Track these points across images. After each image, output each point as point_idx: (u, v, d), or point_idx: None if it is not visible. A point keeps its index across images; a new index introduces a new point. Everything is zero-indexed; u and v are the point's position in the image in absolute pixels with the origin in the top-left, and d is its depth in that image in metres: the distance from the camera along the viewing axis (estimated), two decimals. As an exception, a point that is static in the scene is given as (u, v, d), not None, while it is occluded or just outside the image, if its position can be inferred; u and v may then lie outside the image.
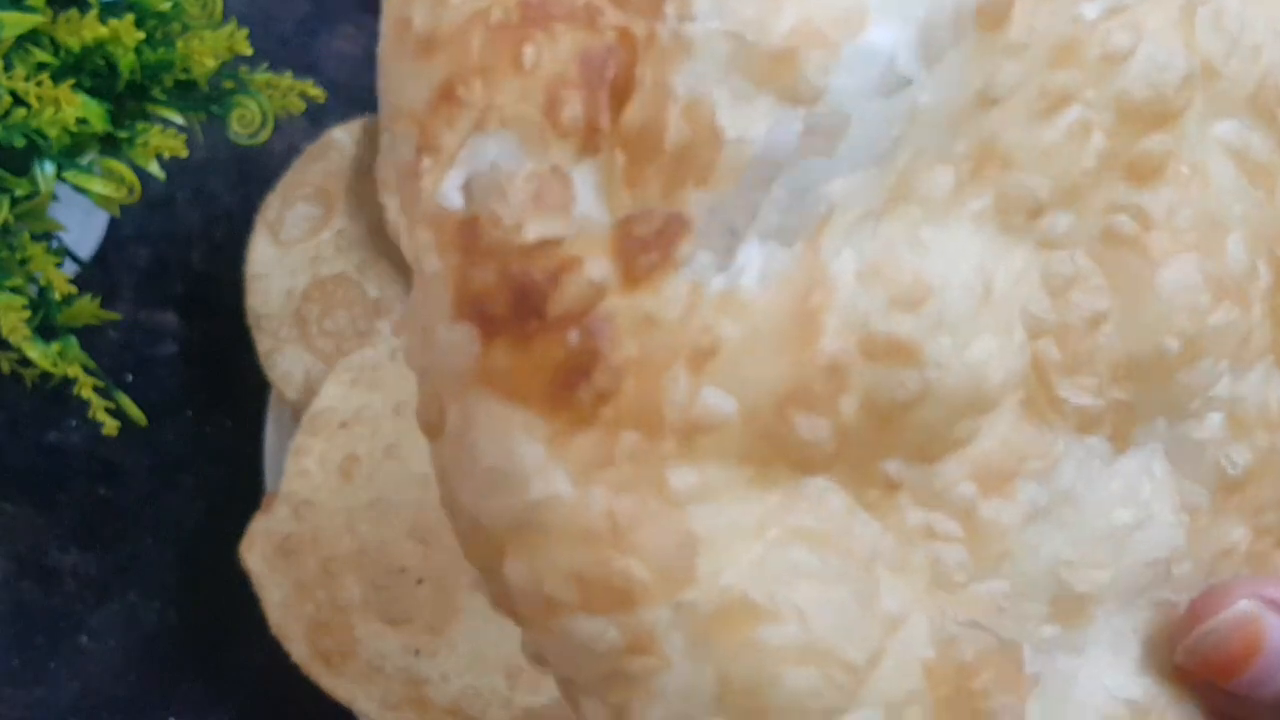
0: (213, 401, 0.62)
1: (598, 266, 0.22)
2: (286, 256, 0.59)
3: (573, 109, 0.22)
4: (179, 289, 0.64)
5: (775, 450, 0.24)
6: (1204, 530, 0.28)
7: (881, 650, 0.25)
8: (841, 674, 0.24)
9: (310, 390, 0.56)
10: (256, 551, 0.52)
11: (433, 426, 0.25)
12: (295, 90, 0.56)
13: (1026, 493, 0.26)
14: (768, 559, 0.24)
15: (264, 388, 0.57)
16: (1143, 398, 0.27)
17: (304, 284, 0.58)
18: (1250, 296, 0.27)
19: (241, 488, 0.57)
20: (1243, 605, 0.27)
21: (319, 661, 0.51)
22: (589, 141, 0.23)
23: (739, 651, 0.24)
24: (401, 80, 0.24)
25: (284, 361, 0.57)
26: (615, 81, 0.23)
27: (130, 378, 0.62)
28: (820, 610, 0.24)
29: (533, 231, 0.22)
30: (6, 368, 0.59)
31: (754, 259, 0.23)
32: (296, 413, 0.56)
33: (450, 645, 0.51)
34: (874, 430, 0.25)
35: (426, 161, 0.23)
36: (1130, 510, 0.27)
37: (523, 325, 0.22)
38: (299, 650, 0.51)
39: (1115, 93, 0.26)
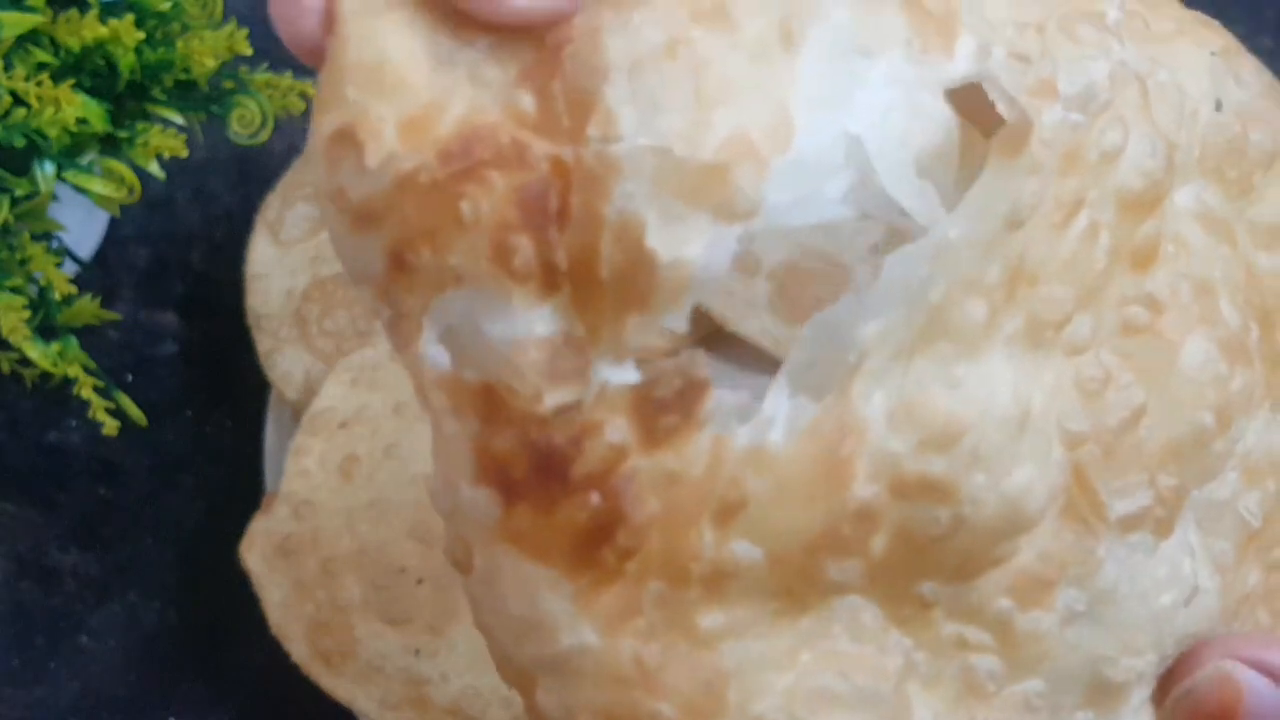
0: (213, 401, 0.62)
1: (618, 429, 0.22)
2: (286, 256, 0.59)
3: (524, 254, 0.22)
4: (179, 289, 0.64)
5: (805, 585, 0.24)
6: (1231, 584, 0.28)
7: None
8: None
9: (310, 390, 0.56)
10: (256, 551, 0.52)
11: (461, 564, 0.25)
12: (295, 90, 0.56)
13: (1065, 599, 0.26)
14: (799, 687, 0.24)
15: (264, 388, 0.57)
16: (1186, 477, 0.27)
17: (304, 284, 0.58)
18: (1251, 352, 0.27)
19: (241, 488, 0.57)
20: (1218, 664, 0.27)
21: (319, 661, 0.51)
22: (548, 281, 0.22)
23: None
24: (352, 251, 0.23)
25: (284, 361, 0.57)
26: (560, 213, 0.22)
27: (130, 378, 0.62)
28: None
29: (551, 401, 0.22)
30: (6, 368, 0.59)
31: (781, 411, 0.23)
32: (296, 413, 0.56)
33: (450, 645, 0.51)
34: (906, 560, 0.24)
35: (397, 325, 0.23)
36: (1174, 591, 0.27)
37: (545, 490, 0.23)
38: (299, 650, 0.51)
39: (1115, 188, 0.26)
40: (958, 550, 0.25)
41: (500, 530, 0.23)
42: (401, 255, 0.22)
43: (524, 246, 0.22)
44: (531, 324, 0.23)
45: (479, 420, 0.23)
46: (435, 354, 0.23)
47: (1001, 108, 0.24)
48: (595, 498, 0.22)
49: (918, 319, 0.24)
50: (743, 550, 0.23)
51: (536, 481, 0.22)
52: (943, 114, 0.24)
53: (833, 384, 0.23)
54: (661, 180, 0.22)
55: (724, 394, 0.23)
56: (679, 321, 0.23)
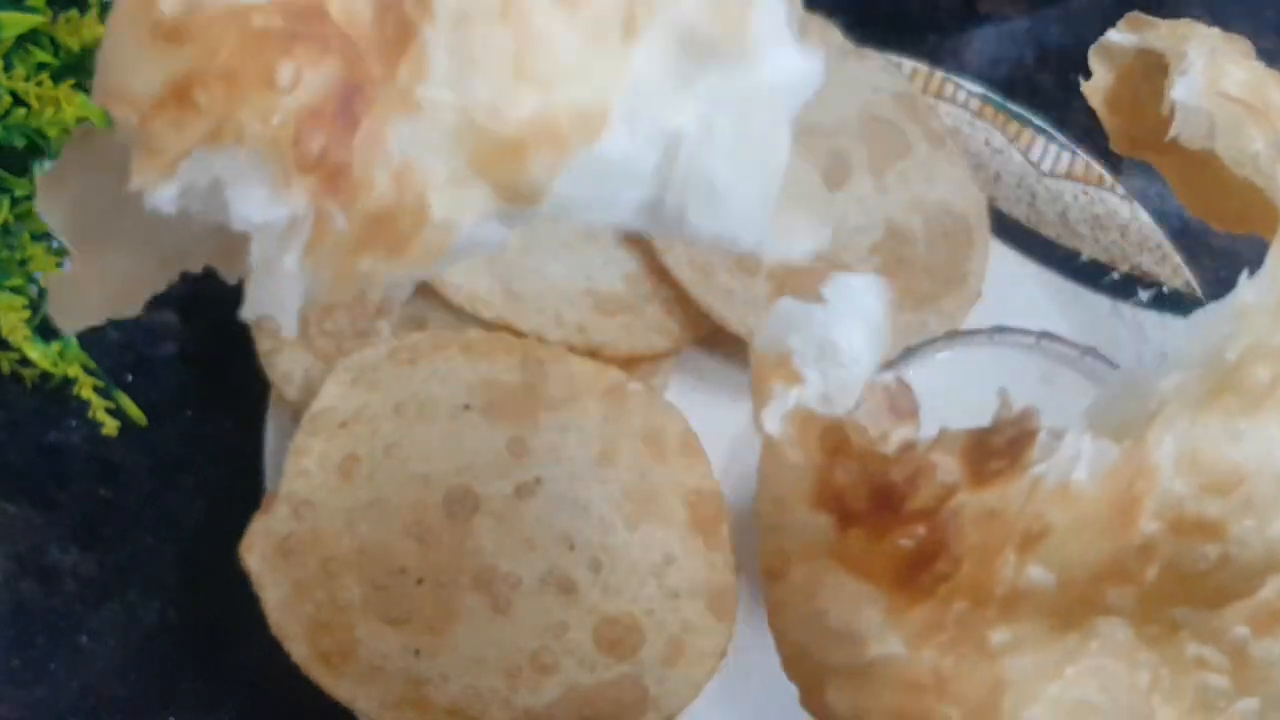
0: (213, 401, 0.62)
1: (949, 469, 0.24)
2: (286, 256, 0.59)
3: (318, 144, 0.21)
4: (179, 289, 0.63)
5: (1085, 608, 0.26)
6: None
7: None
8: None
9: (310, 390, 0.56)
10: (256, 551, 0.52)
11: (775, 572, 0.26)
12: (295, 90, 0.56)
13: None
14: (1063, 697, 0.26)
15: (264, 388, 0.57)
16: None
17: (304, 284, 0.58)
18: None
19: (241, 488, 0.57)
20: None
21: (319, 661, 0.51)
22: (329, 183, 0.21)
23: None
24: (130, 59, 0.21)
25: (284, 361, 0.57)
26: (353, 126, 0.21)
27: (130, 378, 0.62)
28: None
29: (896, 439, 0.24)
30: (6, 368, 0.59)
31: (1085, 452, 0.25)
32: (296, 413, 0.56)
33: (450, 645, 0.51)
34: (1170, 588, 0.27)
35: (138, 160, 0.22)
36: None
37: (879, 520, 0.24)
38: (299, 650, 0.51)
39: None
40: (1217, 583, 0.27)
41: (832, 549, 0.25)
42: (190, 87, 0.21)
43: (320, 139, 0.21)
44: (276, 210, 0.22)
45: (825, 453, 0.24)
46: (164, 200, 0.22)
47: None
48: (922, 529, 0.24)
49: (1214, 376, 0.26)
50: (1038, 575, 0.25)
51: (872, 512, 0.24)
52: (781, 136, 0.24)
53: (1134, 430, 0.26)
54: (458, 141, 0.21)
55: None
56: (414, 283, 0.23)
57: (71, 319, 0.26)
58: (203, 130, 0.21)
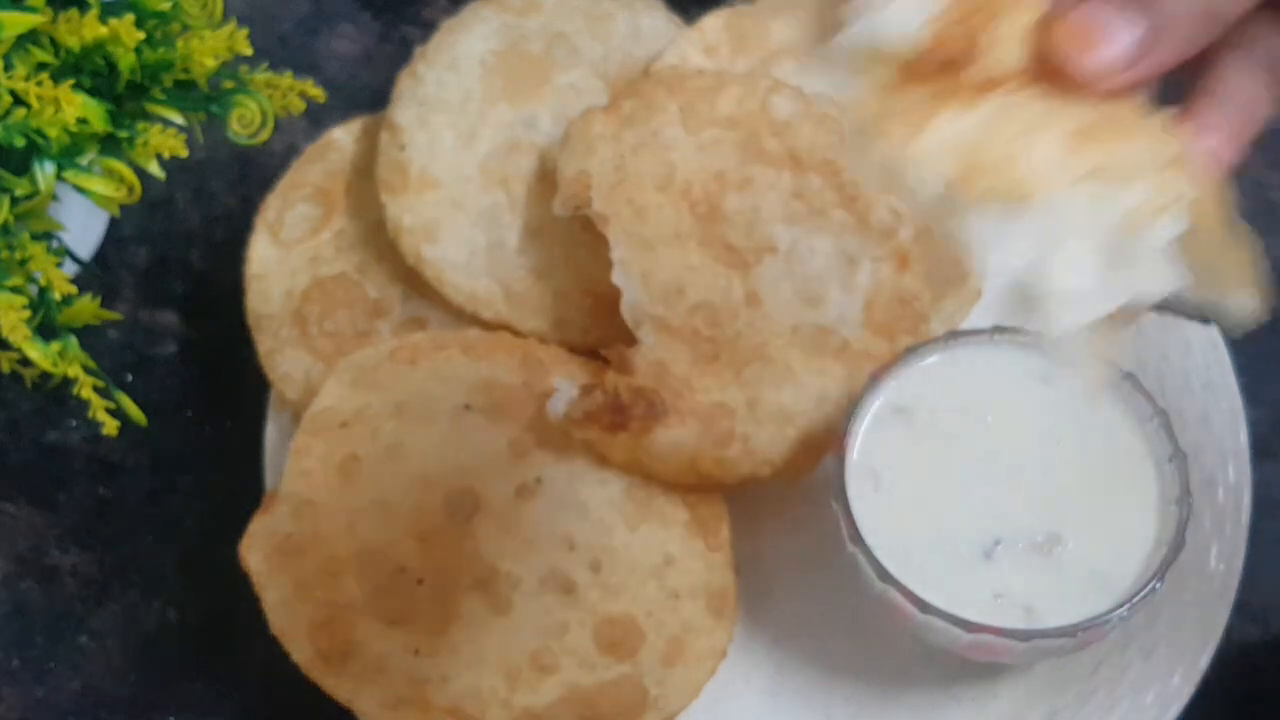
0: (213, 401, 0.62)
1: None
2: (286, 257, 0.59)
3: None
4: (179, 289, 0.64)
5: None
6: None
7: None
8: None
9: (310, 390, 0.56)
10: (256, 551, 0.52)
11: None
12: (295, 90, 0.56)
13: None
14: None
15: (264, 388, 0.57)
16: None
17: (304, 284, 0.58)
18: None
19: (241, 488, 0.57)
20: None
21: (319, 661, 0.51)
22: None
23: None
24: None
25: (284, 362, 0.57)
26: None
27: (130, 378, 0.62)
28: None
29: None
30: (6, 368, 0.59)
31: None
32: (296, 413, 0.56)
33: (450, 645, 0.51)
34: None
35: None
36: None
37: None
38: (299, 650, 0.51)
39: None
40: None
41: None
42: None
43: None
44: None
45: None
46: None
47: None
48: None
49: None
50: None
51: None
52: None
53: None
54: None
55: None
56: None
57: None
58: None
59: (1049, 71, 0.32)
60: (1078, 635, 0.49)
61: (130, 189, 0.53)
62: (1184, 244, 0.32)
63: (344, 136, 0.60)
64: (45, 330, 0.53)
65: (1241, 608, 0.54)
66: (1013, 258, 0.31)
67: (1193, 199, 0.31)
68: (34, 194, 0.51)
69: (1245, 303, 0.32)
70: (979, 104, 0.31)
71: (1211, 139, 0.34)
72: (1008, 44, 0.32)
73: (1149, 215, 0.31)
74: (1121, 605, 0.49)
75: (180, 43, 0.52)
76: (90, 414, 0.54)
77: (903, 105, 0.31)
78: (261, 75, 0.55)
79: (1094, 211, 0.31)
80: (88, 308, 0.57)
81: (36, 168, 0.51)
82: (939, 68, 0.31)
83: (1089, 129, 0.31)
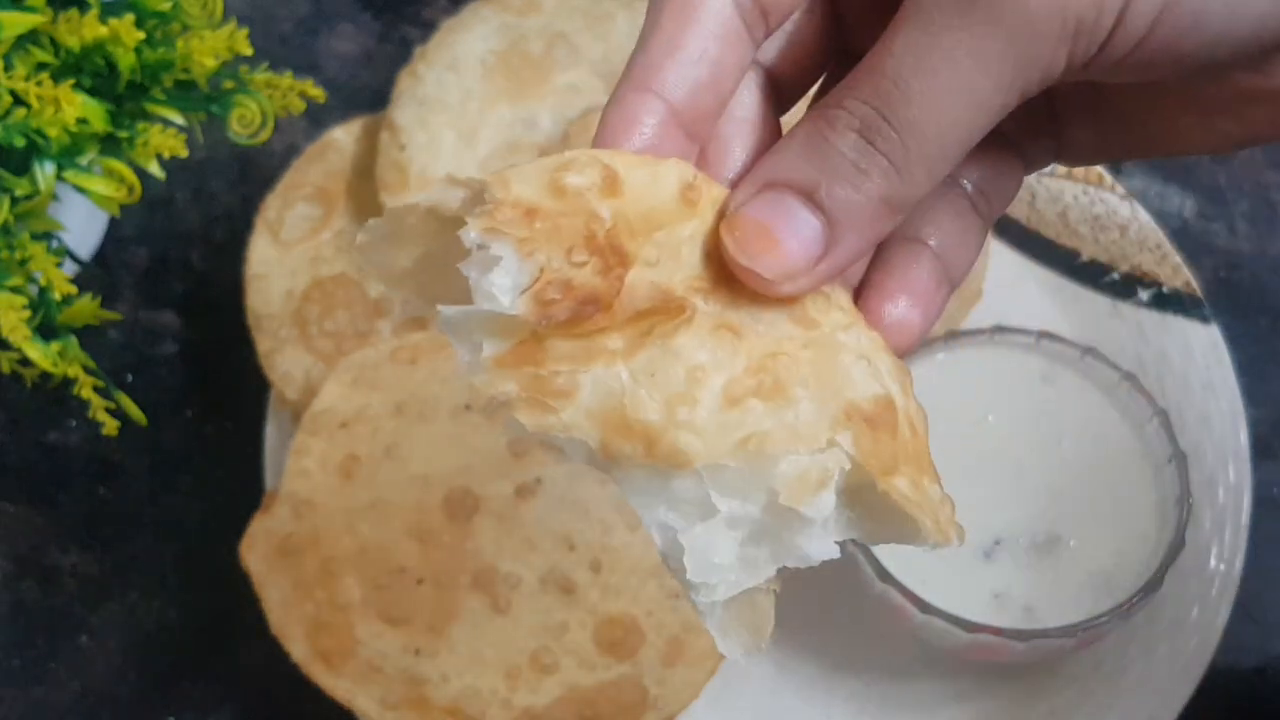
0: (213, 401, 0.62)
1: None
2: (286, 256, 0.59)
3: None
4: (179, 289, 0.64)
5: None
6: None
7: None
8: None
9: (310, 390, 0.56)
10: (256, 551, 0.52)
11: None
12: (295, 90, 0.56)
13: None
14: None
15: (264, 388, 0.57)
16: None
17: (304, 284, 0.58)
18: None
19: (241, 488, 0.57)
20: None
21: (319, 661, 0.51)
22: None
23: None
24: None
25: (284, 361, 0.57)
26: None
27: (130, 378, 0.62)
28: None
29: None
30: (6, 368, 0.59)
31: None
32: (296, 413, 0.56)
33: (450, 645, 0.51)
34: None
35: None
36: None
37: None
38: (299, 650, 0.51)
39: None
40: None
41: None
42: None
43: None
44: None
45: None
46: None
47: None
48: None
49: None
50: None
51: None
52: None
53: None
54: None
55: None
56: None
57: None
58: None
59: (725, 278, 0.29)
60: (1078, 635, 0.49)
61: (130, 189, 0.53)
62: (850, 500, 0.30)
63: (344, 136, 0.60)
64: (45, 330, 0.53)
65: (1241, 608, 0.54)
66: (666, 519, 0.29)
67: (854, 464, 0.29)
68: (34, 194, 0.51)
69: (928, 542, 0.30)
70: (642, 346, 0.28)
71: (898, 304, 0.32)
72: (678, 254, 0.29)
73: (809, 488, 0.29)
74: (1121, 605, 0.49)
75: (180, 43, 0.52)
76: (90, 414, 0.54)
77: (536, 373, 0.28)
78: (261, 75, 0.55)
79: (747, 485, 0.29)
80: (88, 308, 0.57)
81: (36, 168, 0.51)
82: (570, 320, 0.28)
83: (762, 363, 0.29)
